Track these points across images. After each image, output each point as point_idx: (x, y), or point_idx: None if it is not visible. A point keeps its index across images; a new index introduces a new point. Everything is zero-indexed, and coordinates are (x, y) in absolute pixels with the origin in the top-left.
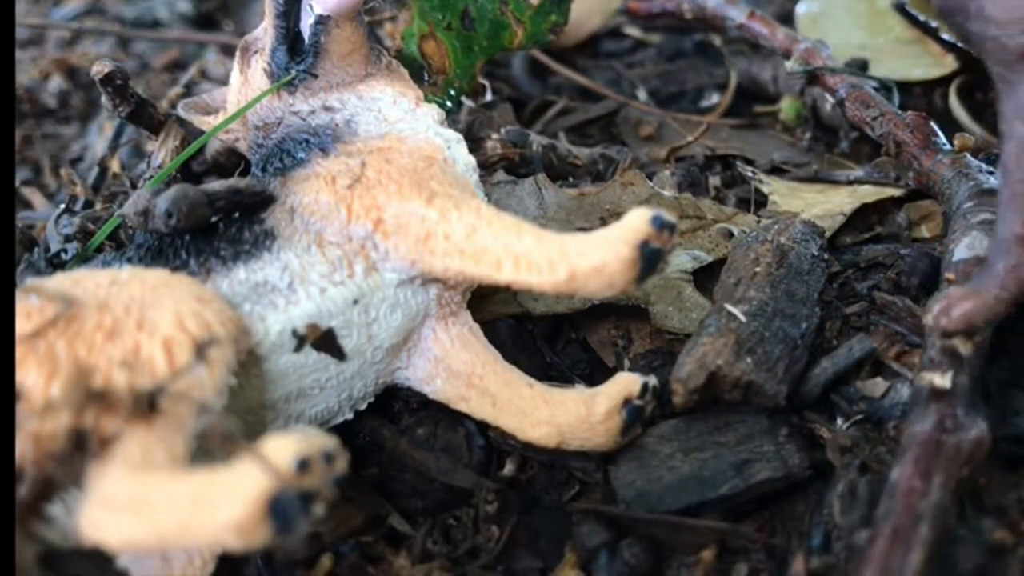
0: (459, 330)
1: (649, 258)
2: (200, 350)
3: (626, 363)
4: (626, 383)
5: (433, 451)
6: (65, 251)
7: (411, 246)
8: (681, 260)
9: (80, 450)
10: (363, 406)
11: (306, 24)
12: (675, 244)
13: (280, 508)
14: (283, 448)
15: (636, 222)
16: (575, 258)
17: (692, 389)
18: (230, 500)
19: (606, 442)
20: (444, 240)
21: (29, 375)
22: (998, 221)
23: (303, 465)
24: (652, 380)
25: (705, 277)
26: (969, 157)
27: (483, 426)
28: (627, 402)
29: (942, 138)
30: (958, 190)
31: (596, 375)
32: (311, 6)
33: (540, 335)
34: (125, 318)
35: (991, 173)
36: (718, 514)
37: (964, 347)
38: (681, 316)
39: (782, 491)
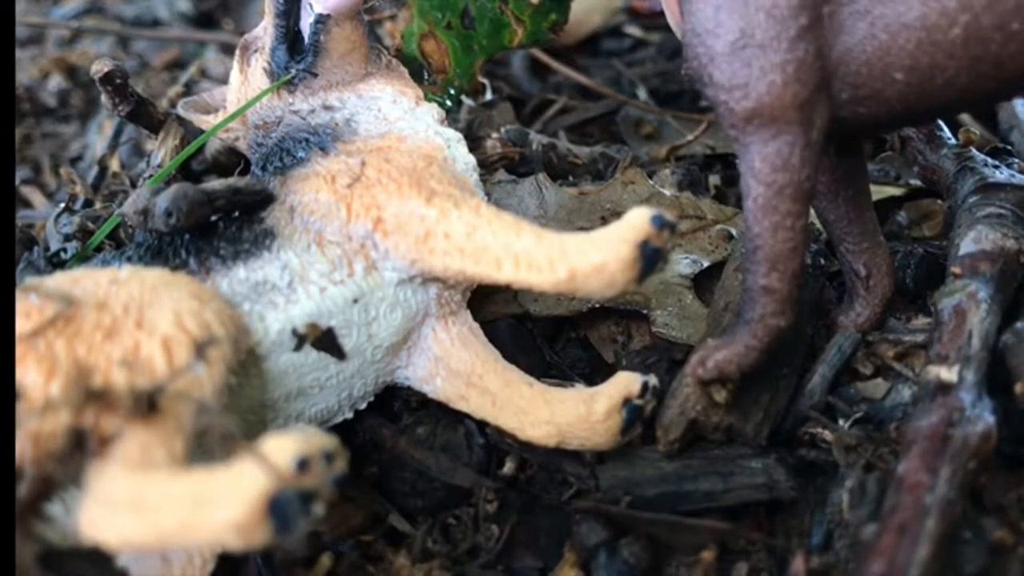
0: (459, 329)
1: (649, 257)
2: (199, 349)
3: (624, 360)
4: (626, 382)
5: (433, 450)
6: (65, 250)
7: (411, 245)
8: (681, 266)
9: (80, 449)
10: (363, 405)
11: (306, 23)
12: (675, 243)
13: (280, 508)
14: (283, 448)
15: (636, 221)
16: (575, 257)
17: (673, 440)
18: (230, 499)
19: (606, 441)
20: (444, 239)
21: (29, 374)
22: (745, 274)
23: (303, 465)
24: (652, 379)
25: (707, 278)
26: (974, 151)
27: (483, 425)
28: (627, 401)
29: (947, 132)
30: (963, 184)
31: (596, 374)
32: (311, 5)
33: (540, 335)
34: (124, 317)
35: (996, 167)
36: (717, 514)
37: (719, 395)
38: (682, 326)
39: (765, 503)
